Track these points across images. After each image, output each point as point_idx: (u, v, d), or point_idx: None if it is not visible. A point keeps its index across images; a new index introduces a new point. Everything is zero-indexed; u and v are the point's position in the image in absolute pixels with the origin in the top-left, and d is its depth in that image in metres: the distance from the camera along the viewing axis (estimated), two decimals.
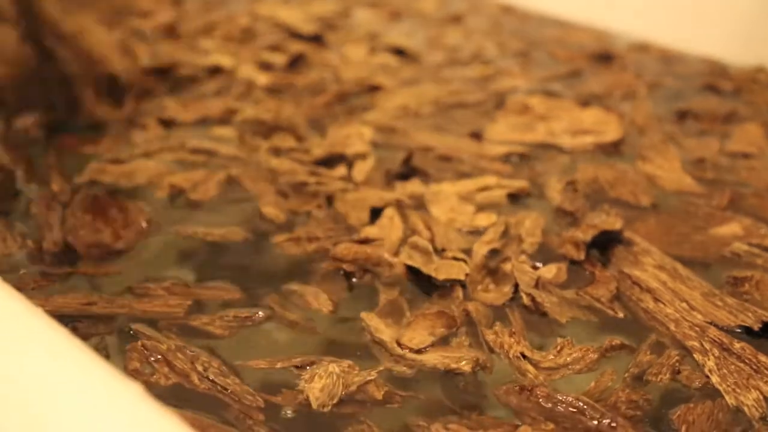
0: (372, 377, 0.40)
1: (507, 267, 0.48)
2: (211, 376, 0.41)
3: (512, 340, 0.43)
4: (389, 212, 0.54)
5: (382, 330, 0.43)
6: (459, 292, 0.47)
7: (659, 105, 0.75)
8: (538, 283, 0.47)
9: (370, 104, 0.72)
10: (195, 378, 0.40)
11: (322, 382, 0.39)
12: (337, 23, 0.94)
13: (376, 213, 0.54)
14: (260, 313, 0.45)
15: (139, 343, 0.42)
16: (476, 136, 0.67)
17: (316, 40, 0.88)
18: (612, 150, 0.66)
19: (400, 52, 0.85)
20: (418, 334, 0.43)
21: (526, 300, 0.46)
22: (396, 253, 0.49)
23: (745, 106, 0.75)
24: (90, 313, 0.45)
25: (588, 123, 0.68)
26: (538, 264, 0.50)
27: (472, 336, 0.44)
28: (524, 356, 0.42)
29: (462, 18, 0.99)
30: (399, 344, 0.42)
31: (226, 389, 0.40)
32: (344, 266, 0.48)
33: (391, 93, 0.74)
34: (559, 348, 0.43)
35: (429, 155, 0.63)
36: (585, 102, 0.73)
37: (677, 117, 0.72)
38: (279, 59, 0.80)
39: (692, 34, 0.88)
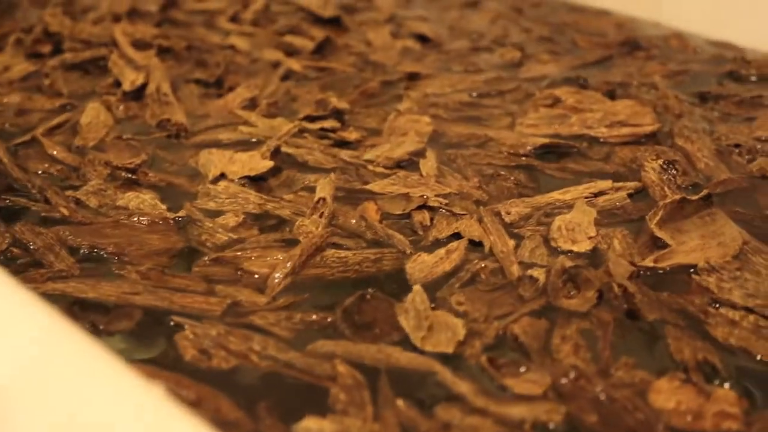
0: None
1: (589, 274, 0.46)
2: (272, 353, 0.40)
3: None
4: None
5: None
6: None
7: (683, 92, 0.74)
8: (632, 277, 0.45)
9: (404, 93, 0.70)
10: (254, 357, 0.40)
11: None
12: (355, 4, 0.93)
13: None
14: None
15: (188, 331, 0.41)
16: (512, 128, 0.66)
17: (335, 22, 0.86)
18: (649, 140, 0.65)
19: (422, 37, 0.84)
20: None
21: (617, 290, 0.44)
22: None
23: None
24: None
25: (623, 115, 0.67)
26: None
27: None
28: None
29: (479, 2, 0.98)
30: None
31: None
32: None
33: (425, 81, 0.73)
34: None
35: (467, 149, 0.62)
36: (611, 90, 0.72)
37: (700, 101, 0.72)
38: (303, 43, 0.79)
39: (718, 21, 0.88)
